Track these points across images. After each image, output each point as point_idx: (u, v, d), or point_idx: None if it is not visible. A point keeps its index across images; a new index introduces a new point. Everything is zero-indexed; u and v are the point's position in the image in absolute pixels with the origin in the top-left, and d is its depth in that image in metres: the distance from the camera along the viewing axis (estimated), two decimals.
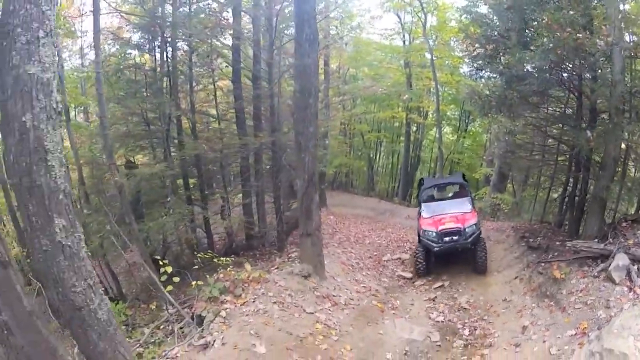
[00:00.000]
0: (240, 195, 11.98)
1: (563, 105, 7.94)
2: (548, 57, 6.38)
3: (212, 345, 4.57)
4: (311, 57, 7.29)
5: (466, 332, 6.31)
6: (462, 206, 10.27)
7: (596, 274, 6.19)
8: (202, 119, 12.36)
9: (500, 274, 8.25)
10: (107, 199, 11.37)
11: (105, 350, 2.73)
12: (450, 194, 11.83)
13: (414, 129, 23.71)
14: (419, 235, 10.07)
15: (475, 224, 9.56)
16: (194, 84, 11.73)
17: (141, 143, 12.21)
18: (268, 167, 11.90)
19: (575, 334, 5.08)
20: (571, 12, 6.20)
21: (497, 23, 8.43)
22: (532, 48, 6.59)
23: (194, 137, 11.23)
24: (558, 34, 6.06)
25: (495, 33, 7.97)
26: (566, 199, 9.28)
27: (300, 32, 7.28)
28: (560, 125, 8.16)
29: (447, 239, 9.46)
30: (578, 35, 5.91)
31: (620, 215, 7.97)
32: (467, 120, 23.33)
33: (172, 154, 11.19)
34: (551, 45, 6.25)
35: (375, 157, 27.41)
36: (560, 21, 6.18)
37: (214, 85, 12.37)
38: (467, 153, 22.78)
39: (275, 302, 5.38)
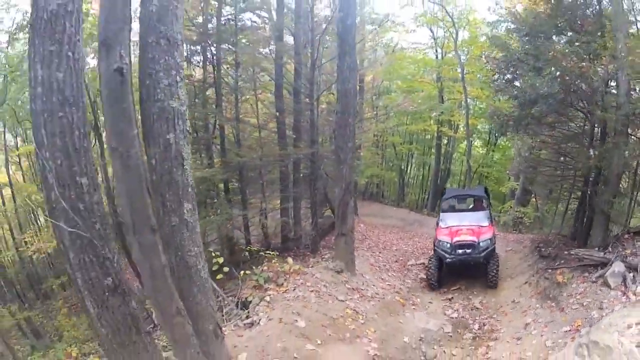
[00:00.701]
0: (278, 201, 13.06)
1: (574, 125, 8.75)
2: (555, 84, 7.30)
3: (258, 322, 5.69)
4: (351, 82, 8.69)
5: (476, 326, 7.29)
6: (480, 219, 10.46)
7: (594, 279, 7.06)
8: (245, 127, 13.58)
9: (512, 280, 9.14)
10: None
11: (201, 302, 3.76)
12: (470, 207, 12.19)
13: (445, 141, 24.36)
14: (434, 245, 10.27)
15: (490, 239, 9.77)
16: (238, 95, 13.07)
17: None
18: (305, 175, 13.03)
19: (570, 330, 5.84)
20: (576, 44, 7.13)
21: (516, 48, 9.34)
22: (543, 75, 7.54)
23: (237, 144, 12.50)
24: (564, 63, 7.00)
25: (515, 57, 8.86)
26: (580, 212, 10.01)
27: (342, 61, 8.58)
28: (570, 143, 9.01)
29: (460, 251, 9.68)
30: (582, 64, 6.82)
31: (627, 228, 8.75)
32: (496, 135, 23.72)
33: (215, 159, 12.51)
34: (558, 73, 7.18)
35: (407, 169, 28.22)
36: (565, 52, 7.12)
37: (256, 97, 13.69)
38: (495, 167, 23.26)
39: (312, 291, 6.52)
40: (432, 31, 22.00)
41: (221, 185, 13.07)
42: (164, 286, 3.35)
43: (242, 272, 7.06)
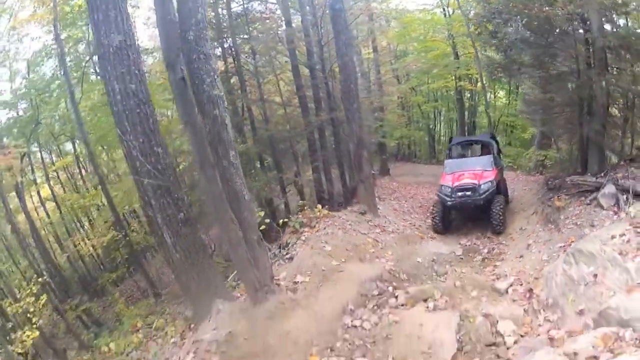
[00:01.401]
0: (310, 171, 14.55)
1: (557, 64, 9.64)
2: (526, 30, 8.35)
3: (296, 254, 7.22)
4: (348, 55, 10.25)
5: (485, 251, 8.57)
6: (483, 164, 10.83)
7: (589, 202, 8.03)
8: (270, 106, 15.07)
9: (523, 212, 10.20)
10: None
11: (247, 217, 5.19)
12: (474, 153, 12.64)
13: (468, 95, 25.01)
14: (437, 191, 10.87)
15: (491, 182, 10.16)
16: (260, 79, 14.55)
17: None
18: (330, 139, 14.52)
19: (564, 245, 6.72)
20: None
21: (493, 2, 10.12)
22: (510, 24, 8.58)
23: (265, 122, 14.06)
24: (526, 11, 8.04)
25: (493, 10, 9.75)
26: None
27: (338, 39, 10.21)
28: (555, 83, 9.91)
29: (460, 194, 10.11)
30: (544, 8, 7.80)
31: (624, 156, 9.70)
32: (517, 83, 24.27)
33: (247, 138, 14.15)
34: (525, 20, 8.21)
35: (435, 127, 28.88)
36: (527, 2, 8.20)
37: (277, 78, 15.18)
38: (519, 115, 23.84)
39: (339, 228, 7.99)
40: None
41: (257, 163, 14.89)
42: (221, 204, 4.93)
43: (281, 220, 8.68)
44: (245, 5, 14.06)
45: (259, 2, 14.29)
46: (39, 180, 22.04)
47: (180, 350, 5.51)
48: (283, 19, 13.89)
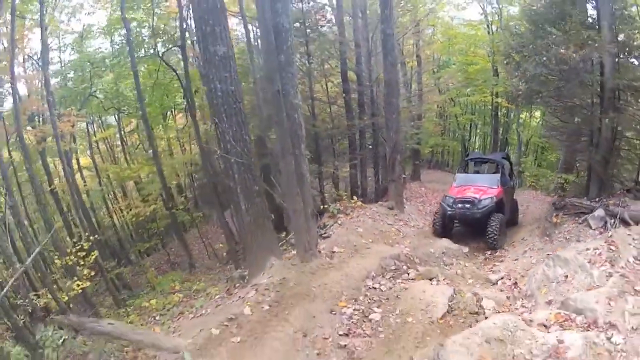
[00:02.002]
0: (346, 168, 16.39)
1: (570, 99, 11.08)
2: (539, 68, 9.89)
3: (333, 233, 9.04)
4: (393, 74, 12.14)
5: (488, 253, 10.20)
6: (489, 182, 11.66)
7: (581, 222, 9.65)
8: (318, 104, 16.82)
9: (529, 226, 11.73)
10: None
11: (306, 194, 7.05)
12: (485, 170, 13.12)
13: (504, 112, 25.88)
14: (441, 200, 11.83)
15: (491, 199, 10.96)
16: (312, 79, 16.29)
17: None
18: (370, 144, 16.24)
19: (550, 253, 7.86)
20: (554, 36, 9.60)
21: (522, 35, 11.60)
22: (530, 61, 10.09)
23: (313, 118, 15.85)
24: (544, 52, 9.59)
25: (520, 44, 11.18)
26: None
27: (385, 59, 12.13)
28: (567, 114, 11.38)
29: (460, 205, 11.00)
30: (561, 50, 9.28)
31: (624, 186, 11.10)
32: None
33: None
34: (544, 59, 9.75)
35: (470, 139, 30.15)
36: (547, 43, 9.70)
37: (326, 80, 16.95)
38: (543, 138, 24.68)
39: (370, 217, 9.86)
40: (482, 7, 23.49)
41: None
42: (292, 181, 6.83)
43: (322, 206, 10.58)
44: (304, 9, 15.91)
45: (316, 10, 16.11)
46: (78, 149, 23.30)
47: (230, 299, 7.14)
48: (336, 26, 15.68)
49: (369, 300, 6.20)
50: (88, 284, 11.05)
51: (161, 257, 22.83)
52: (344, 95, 15.54)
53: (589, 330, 4.65)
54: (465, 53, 24.07)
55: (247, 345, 4.91)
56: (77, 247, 13.24)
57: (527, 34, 10.62)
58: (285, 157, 6.55)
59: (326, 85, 17.20)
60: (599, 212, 9.39)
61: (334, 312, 5.67)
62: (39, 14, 14.81)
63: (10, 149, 16.49)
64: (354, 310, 5.80)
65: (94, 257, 13.35)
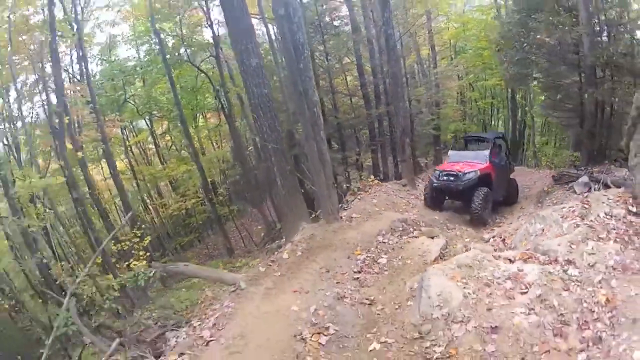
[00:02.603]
0: (369, 153, 18.36)
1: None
2: (522, 53, 11.56)
3: (353, 206, 10.97)
4: (396, 67, 14.18)
5: (489, 220, 11.85)
6: (478, 158, 12.47)
7: (568, 188, 11.31)
8: (339, 97, 18.80)
9: (529, 198, 13.34)
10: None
11: (327, 169, 8.92)
12: (479, 148, 13.84)
13: (522, 94, 26.76)
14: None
15: (475, 172, 11.75)
16: (331, 74, 18.28)
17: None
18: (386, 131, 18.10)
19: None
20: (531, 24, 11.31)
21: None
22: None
23: (334, 110, 17.82)
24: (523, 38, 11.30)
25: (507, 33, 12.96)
26: None
27: (389, 54, 14.15)
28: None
29: (444, 178, 11.94)
30: (537, 36, 10.93)
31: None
32: None
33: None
34: (525, 44, 11.40)
35: (491, 123, 30.93)
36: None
37: (345, 75, 18.86)
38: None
39: (384, 193, 11.81)
40: None
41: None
42: (315, 160, 8.83)
43: (346, 186, 12.56)
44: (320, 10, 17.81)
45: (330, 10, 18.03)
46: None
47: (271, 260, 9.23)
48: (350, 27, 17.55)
49: (379, 250, 8.07)
50: (144, 262, 12.47)
51: (199, 250, 25.18)
52: (361, 87, 17.38)
53: (548, 265, 5.97)
54: (478, 38, 25.01)
55: (285, 277, 6.89)
56: (132, 234, 15.67)
57: (514, 23, 12.33)
58: (309, 142, 8.53)
59: (345, 79, 19.11)
60: (583, 178, 10.96)
61: (350, 258, 7.57)
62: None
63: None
64: (366, 256, 7.68)
65: (147, 241, 15.75)
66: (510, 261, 6.41)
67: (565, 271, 5.63)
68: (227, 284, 7.17)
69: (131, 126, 27.78)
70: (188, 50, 21.15)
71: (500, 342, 4.74)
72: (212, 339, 5.49)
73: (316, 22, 16.99)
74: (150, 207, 28.21)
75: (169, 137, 29.68)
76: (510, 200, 13.33)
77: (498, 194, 12.59)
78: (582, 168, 11.77)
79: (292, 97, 10.61)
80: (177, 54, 21.20)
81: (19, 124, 17.53)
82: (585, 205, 7.79)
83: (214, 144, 30.64)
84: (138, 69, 23.66)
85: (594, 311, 4.87)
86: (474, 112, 30.07)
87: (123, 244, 15.46)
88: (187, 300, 10.45)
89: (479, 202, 11.28)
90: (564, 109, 13.03)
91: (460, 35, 26.27)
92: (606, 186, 10.06)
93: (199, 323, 6.17)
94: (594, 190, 10.45)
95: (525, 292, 5.44)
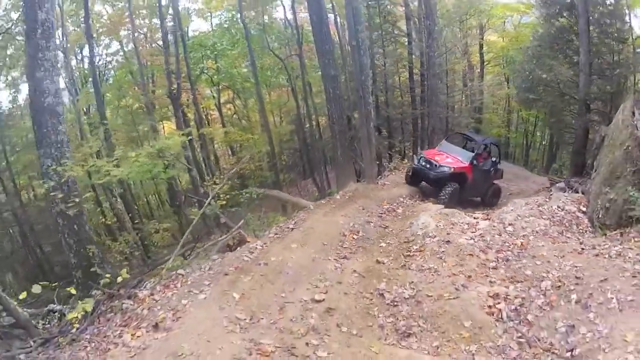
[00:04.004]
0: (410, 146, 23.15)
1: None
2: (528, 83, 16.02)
3: (387, 178, 15.99)
4: (433, 81, 19.51)
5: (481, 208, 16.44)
6: (462, 156, 14.34)
7: (549, 191, 15.73)
8: (392, 95, 23.56)
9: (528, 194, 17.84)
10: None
11: (373, 148, 14.08)
12: (468, 148, 15.56)
13: None
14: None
15: (449, 168, 13.63)
16: (386, 76, 23.08)
17: None
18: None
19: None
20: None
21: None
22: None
23: (386, 105, 22.68)
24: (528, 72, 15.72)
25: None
26: None
27: (429, 71, 18.75)
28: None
29: (422, 163, 13.95)
30: (543, 75, 15.34)
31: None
32: None
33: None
34: (530, 76, 15.83)
35: (534, 134, 34.01)
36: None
37: (399, 76, 23.64)
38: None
39: None
40: None
41: (376, 132, 23.56)
42: (365, 142, 14.15)
43: (385, 164, 17.54)
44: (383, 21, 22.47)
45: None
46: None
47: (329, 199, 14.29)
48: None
49: (398, 205, 12.96)
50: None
51: (256, 207, 30.71)
52: (409, 90, 22.13)
53: (496, 223, 10.32)
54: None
55: (336, 208, 11.98)
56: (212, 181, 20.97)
57: (526, 56, 16.86)
58: (362, 129, 13.56)
59: (399, 78, 23.88)
60: (561, 184, 15.22)
61: (378, 206, 12.52)
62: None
63: None
64: (389, 207, 12.61)
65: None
66: (474, 218, 11.12)
67: (504, 227, 9.66)
68: (302, 206, 12.45)
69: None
70: (268, 39, 26.46)
71: (448, 248, 9.21)
72: (293, 228, 10.68)
73: (379, 32, 21.72)
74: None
75: (230, 106, 35.25)
76: (488, 202, 15.24)
77: (471, 193, 14.72)
78: (566, 177, 16.12)
79: (354, 96, 15.50)
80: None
81: None
82: (546, 200, 11.71)
83: (274, 117, 35.82)
84: (217, 45, 28.97)
85: (510, 247, 8.45)
86: (519, 120, 33.63)
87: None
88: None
89: (445, 194, 13.25)
90: (562, 131, 17.41)
91: (510, 48, 29.45)
92: (576, 191, 12.72)
93: (285, 223, 11.41)
94: (566, 193, 14.88)
95: (473, 232, 10.03)
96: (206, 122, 33.97)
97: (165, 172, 10.56)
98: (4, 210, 22.56)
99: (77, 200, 10.31)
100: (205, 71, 29.96)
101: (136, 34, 23.24)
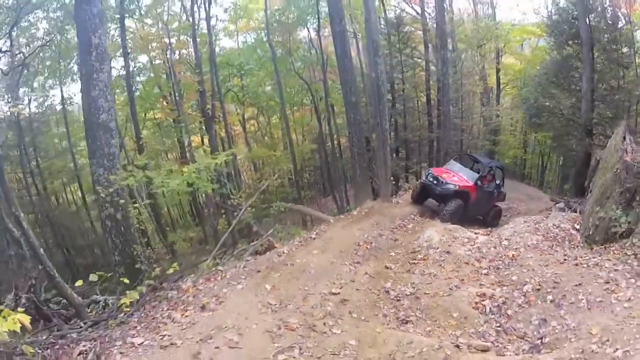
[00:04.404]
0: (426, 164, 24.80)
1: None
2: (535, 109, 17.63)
3: (401, 197, 17.66)
4: (447, 107, 20.87)
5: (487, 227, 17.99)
6: (467, 175, 15.37)
7: (551, 209, 17.18)
8: (410, 118, 25.34)
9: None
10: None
11: (387, 170, 15.64)
12: (474, 168, 16.63)
13: None
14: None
15: (454, 186, 14.68)
16: (405, 100, 24.89)
17: None
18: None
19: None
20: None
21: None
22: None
23: (404, 128, 24.42)
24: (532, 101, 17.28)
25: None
26: None
27: (443, 98, 20.33)
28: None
29: (430, 179, 15.03)
30: (546, 103, 16.90)
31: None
32: None
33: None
34: (535, 104, 17.39)
35: (549, 155, 34.72)
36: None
37: (418, 100, 25.39)
38: None
39: None
40: None
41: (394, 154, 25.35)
42: (381, 164, 15.84)
43: (400, 184, 19.18)
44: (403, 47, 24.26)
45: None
46: None
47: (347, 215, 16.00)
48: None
49: (409, 221, 14.59)
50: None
51: (282, 219, 32.55)
52: (427, 115, 23.82)
53: (493, 238, 12.05)
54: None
55: (353, 222, 13.65)
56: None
57: (532, 85, 18.49)
58: (378, 152, 15.23)
59: (418, 103, 25.63)
60: (560, 205, 16.70)
61: (391, 222, 14.08)
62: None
63: None
64: (400, 222, 14.22)
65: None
66: (475, 233, 12.73)
67: (500, 242, 11.05)
68: (323, 220, 14.17)
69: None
70: (294, 62, 28.57)
71: (448, 257, 10.79)
72: (315, 237, 12.39)
73: (398, 58, 23.50)
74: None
75: (253, 122, 37.40)
76: (490, 222, 16.09)
77: (474, 212, 15.62)
78: (566, 198, 17.54)
79: (372, 121, 17.29)
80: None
81: None
82: (544, 218, 12.83)
83: (297, 135, 37.73)
84: (244, 64, 31.17)
85: (502, 258, 9.70)
86: (535, 142, 34.84)
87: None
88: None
89: (449, 210, 14.30)
90: (566, 154, 18.90)
91: (527, 71, 30.73)
92: (574, 211, 13.73)
93: (307, 233, 13.13)
94: (566, 212, 16.30)
95: (472, 245, 11.65)
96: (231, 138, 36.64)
97: (206, 186, 12.24)
98: (36, 211, 24.49)
99: (124, 205, 12.11)
100: (232, 89, 32.00)
101: (168, 53, 25.20)
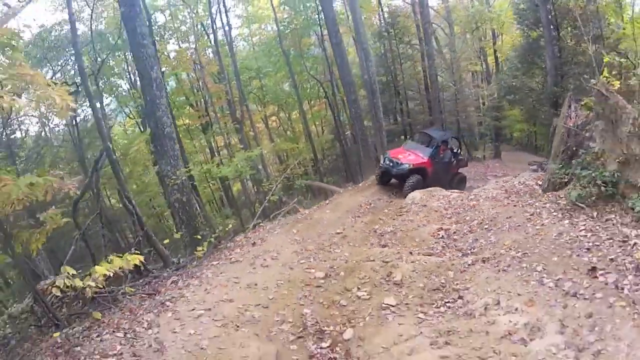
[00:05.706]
0: None
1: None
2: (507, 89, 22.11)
3: None
4: (435, 94, 25.06)
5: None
6: (422, 152, 17.56)
7: (528, 170, 21.59)
8: (411, 104, 29.94)
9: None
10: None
11: (376, 154, 20.68)
12: (426, 143, 18.36)
13: None
14: None
15: (409, 165, 16.96)
16: (406, 88, 29.54)
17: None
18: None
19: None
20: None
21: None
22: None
23: (407, 114, 29.01)
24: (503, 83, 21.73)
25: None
26: None
27: (432, 87, 24.61)
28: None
29: (387, 162, 17.31)
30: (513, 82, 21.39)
31: None
32: None
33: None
34: (505, 85, 21.95)
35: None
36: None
37: (419, 88, 29.99)
38: None
39: None
40: None
41: (402, 136, 30.06)
42: (379, 144, 20.40)
43: None
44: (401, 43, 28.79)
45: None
46: None
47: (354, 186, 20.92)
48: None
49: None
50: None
51: (304, 193, 37.30)
52: (428, 103, 28.33)
53: (463, 194, 16.44)
54: None
55: (358, 192, 18.38)
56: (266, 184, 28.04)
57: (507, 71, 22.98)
58: (376, 136, 19.99)
59: (419, 90, 30.17)
60: (534, 166, 20.73)
61: (389, 190, 18.92)
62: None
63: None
64: (396, 190, 19.08)
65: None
66: (451, 193, 17.26)
67: (467, 196, 15.08)
68: (335, 191, 19.11)
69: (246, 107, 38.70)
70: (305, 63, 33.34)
71: (424, 209, 14.86)
72: (328, 203, 17.28)
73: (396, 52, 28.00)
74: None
75: (274, 118, 42.00)
76: (455, 188, 18.09)
77: (435, 182, 17.41)
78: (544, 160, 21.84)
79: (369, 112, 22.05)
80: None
81: None
82: (513, 178, 17.02)
83: (316, 126, 42.33)
84: (261, 68, 35.86)
85: (464, 206, 12.91)
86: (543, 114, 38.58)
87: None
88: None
89: (408, 186, 16.72)
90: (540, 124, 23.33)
91: None
92: (544, 170, 14.49)
93: (323, 202, 18.10)
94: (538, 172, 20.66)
95: (445, 200, 16.12)
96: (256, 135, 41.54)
97: (248, 172, 17.32)
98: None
99: (187, 191, 17.14)
100: (254, 91, 36.87)
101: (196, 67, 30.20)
